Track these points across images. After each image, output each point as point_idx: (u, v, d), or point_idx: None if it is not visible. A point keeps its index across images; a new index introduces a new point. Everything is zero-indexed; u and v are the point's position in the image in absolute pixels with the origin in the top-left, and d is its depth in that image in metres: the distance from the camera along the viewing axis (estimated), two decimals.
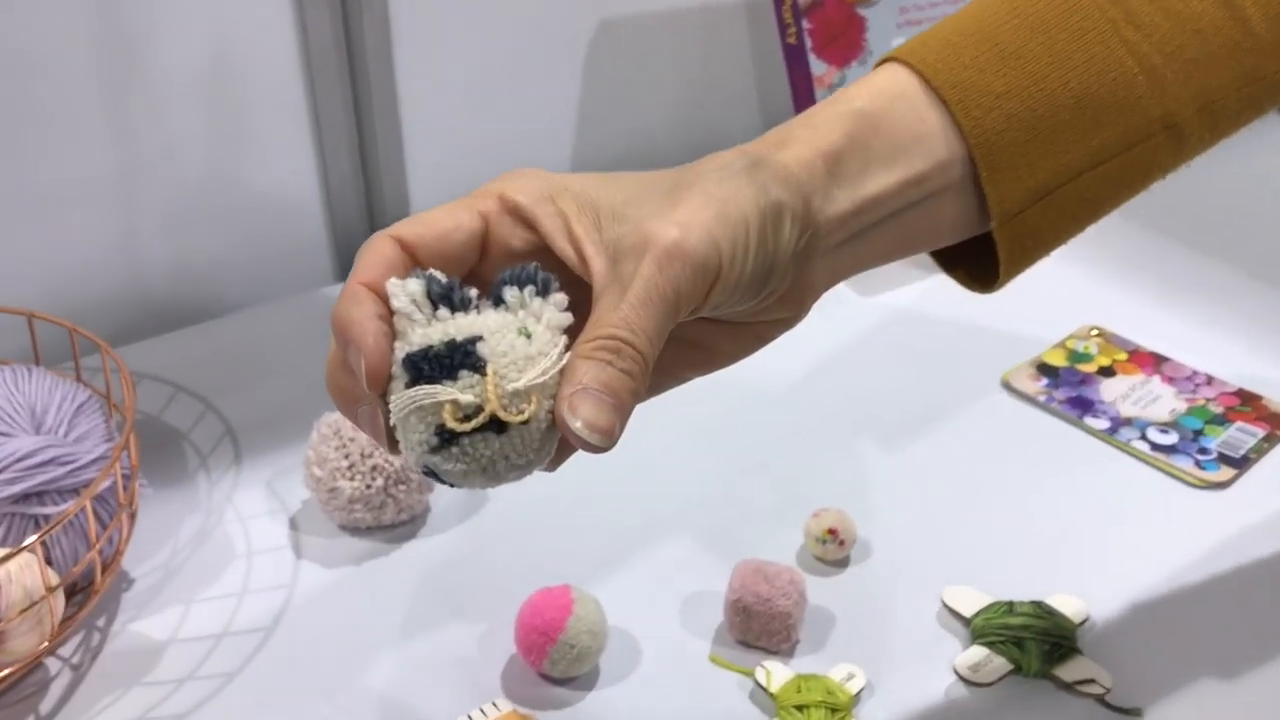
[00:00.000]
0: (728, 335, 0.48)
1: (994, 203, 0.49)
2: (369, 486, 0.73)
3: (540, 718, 0.65)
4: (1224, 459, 0.81)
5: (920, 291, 0.98)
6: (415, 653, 0.68)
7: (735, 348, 0.49)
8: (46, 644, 0.64)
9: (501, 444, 0.41)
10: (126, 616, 0.71)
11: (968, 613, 0.69)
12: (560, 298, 0.42)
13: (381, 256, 0.43)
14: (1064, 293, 0.96)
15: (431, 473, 0.41)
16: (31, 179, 0.89)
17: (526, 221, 0.44)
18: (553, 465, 0.44)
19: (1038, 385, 0.88)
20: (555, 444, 0.42)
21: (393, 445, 0.42)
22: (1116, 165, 0.50)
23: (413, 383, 0.40)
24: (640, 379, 0.41)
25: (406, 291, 0.41)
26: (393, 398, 0.41)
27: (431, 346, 0.41)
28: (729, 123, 1.18)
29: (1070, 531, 0.76)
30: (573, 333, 0.42)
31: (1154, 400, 0.86)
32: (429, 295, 0.41)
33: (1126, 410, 0.85)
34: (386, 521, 0.75)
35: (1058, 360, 0.90)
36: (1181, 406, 0.85)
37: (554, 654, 0.64)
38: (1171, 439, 0.82)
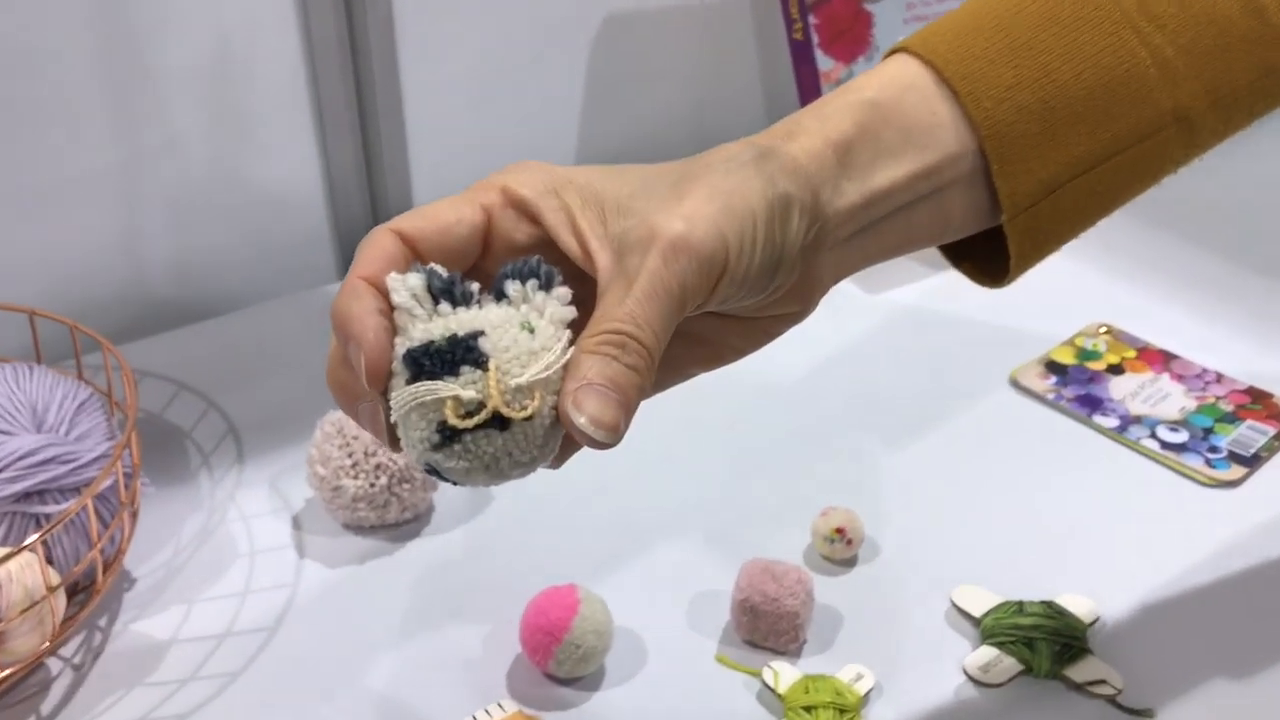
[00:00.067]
0: (734, 330, 0.48)
1: (1005, 196, 0.48)
2: (373, 485, 0.73)
3: (545, 718, 0.64)
4: (1234, 457, 0.80)
5: (927, 288, 0.97)
6: (419, 653, 0.68)
7: (742, 343, 0.48)
8: (48, 644, 0.64)
9: (505, 441, 0.40)
10: (128, 616, 0.71)
11: (977, 613, 0.68)
12: (563, 292, 0.42)
13: (382, 250, 0.42)
14: (1072, 290, 0.95)
15: (434, 470, 0.41)
16: (33, 176, 0.89)
17: (530, 215, 0.44)
18: (557, 462, 0.43)
19: (1046, 383, 0.87)
20: (559, 441, 0.42)
21: (394, 443, 0.42)
22: (1128, 158, 0.50)
23: (414, 379, 0.40)
24: (646, 374, 0.41)
25: (407, 286, 0.41)
26: (394, 394, 0.40)
27: (433, 342, 0.40)
28: (734, 120, 1.18)
29: (1080, 531, 0.75)
30: (577, 327, 0.42)
31: (1163, 398, 0.85)
32: (430, 290, 0.41)
33: (1136, 408, 0.85)
34: (390, 520, 0.75)
35: (1066, 358, 0.89)
36: (1191, 404, 0.85)
37: (559, 654, 0.64)
38: (1181, 437, 0.82)
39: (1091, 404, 0.85)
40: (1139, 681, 0.65)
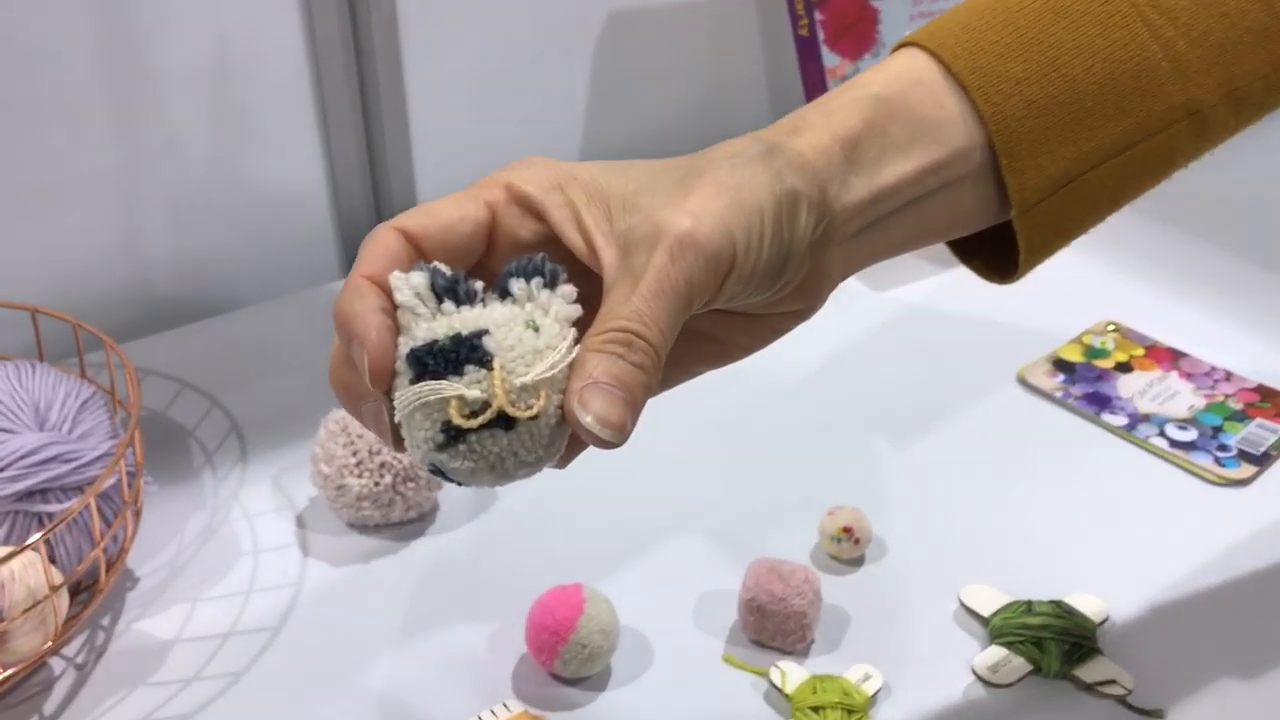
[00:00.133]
0: (741, 327, 0.47)
1: (1014, 191, 0.48)
2: (377, 484, 0.73)
3: (551, 719, 0.64)
4: (1244, 456, 0.80)
5: (934, 286, 0.97)
6: (424, 652, 0.68)
7: (749, 340, 0.48)
8: (50, 644, 0.64)
9: (510, 441, 0.40)
10: (131, 615, 0.70)
11: (986, 612, 0.68)
12: (569, 290, 0.41)
13: (385, 248, 0.42)
14: (1080, 287, 0.95)
15: (438, 471, 0.40)
16: (36, 174, 0.89)
17: (534, 211, 0.44)
18: (563, 462, 0.43)
19: (1054, 381, 0.87)
20: (565, 440, 0.41)
21: (398, 443, 0.41)
22: (1139, 153, 0.49)
23: (418, 378, 0.40)
24: (652, 372, 0.40)
25: (410, 285, 0.40)
26: (397, 394, 0.40)
27: (436, 341, 0.40)
28: (739, 117, 1.18)
29: (1089, 529, 0.75)
30: (582, 325, 0.41)
31: (1172, 396, 0.85)
32: (433, 288, 0.40)
33: (1144, 406, 0.84)
34: (395, 519, 0.75)
35: (1074, 356, 0.89)
36: (1200, 403, 0.84)
37: (565, 654, 0.64)
38: (1190, 436, 0.81)
39: (1100, 402, 0.85)
40: (1149, 681, 0.64)
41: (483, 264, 0.44)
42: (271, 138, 0.96)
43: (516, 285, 0.41)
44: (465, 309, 0.40)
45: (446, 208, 0.43)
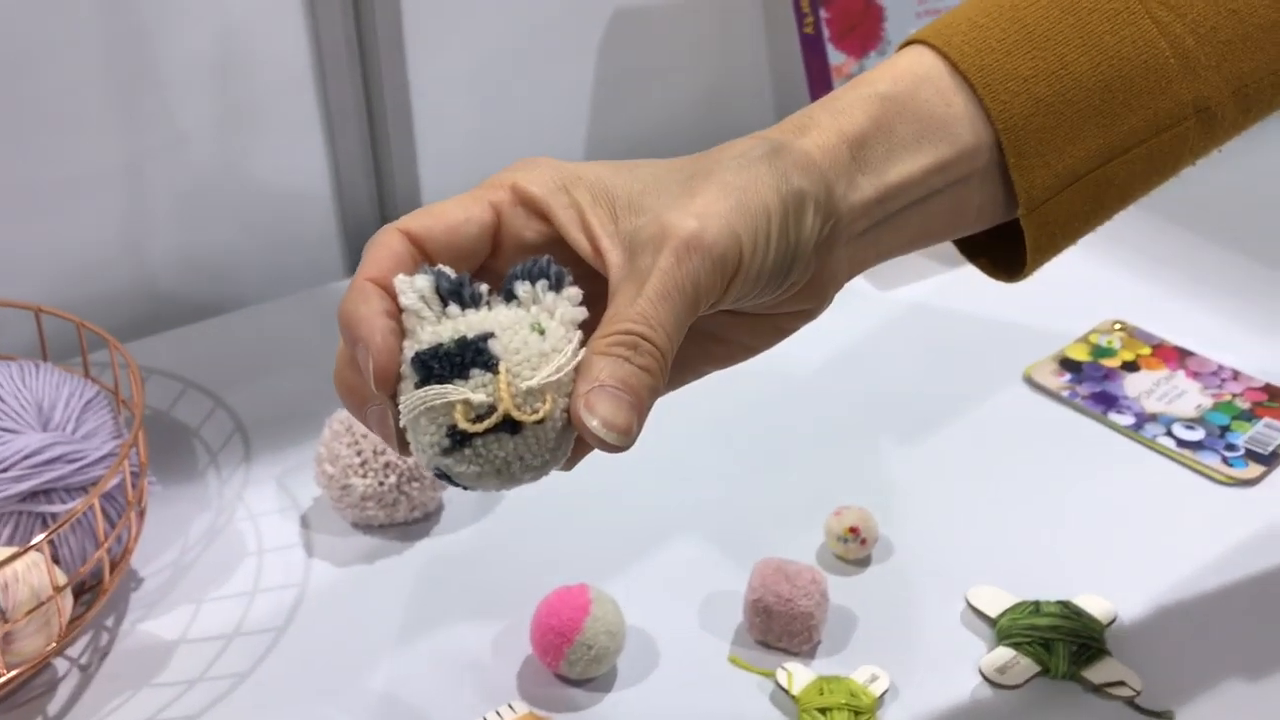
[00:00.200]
0: (747, 328, 0.47)
1: (1021, 190, 0.48)
2: (381, 484, 0.72)
3: None
4: (1252, 455, 0.79)
5: (939, 285, 0.96)
6: (429, 653, 0.67)
7: (755, 340, 0.48)
8: (54, 644, 0.64)
9: (516, 445, 0.39)
10: (135, 616, 0.70)
11: (993, 613, 0.68)
12: (574, 292, 0.41)
13: (389, 251, 0.41)
14: (1086, 286, 0.95)
15: (444, 475, 0.40)
16: (40, 173, 0.89)
17: (539, 213, 0.43)
18: (569, 465, 0.43)
19: (1060, 380, 0.86)
20: (571, 443, 0.41)
21: (403, 446, 0.41)
22: (1146, 150, 0.49)
23: (423, 382, 0.39)
24: (659, 375, 0.40)
25: (415, 288, 0.40)
26: (402, 398, 0.40)
27: (441, 344, 0.39)
28: (744, 115, 1.17)
29: (1096, 530, 0.75)
30: (588, 328, 0.41)
31: (1179, 396, 0.85)
32: (438, 291, 0.40)
33: (1151, 406, 0.84)
34: (399, 519, 0.74)
35: (1080, 355, 0.89)
36: (1207, 402, 0.84)
37: (571, 655, 0.64)
38: (1198, 435, 0.81)
39: (1106, 401, 0.84)
40: (1157, 682, 0.64)
41: (488, 265, 0.44)
42: (276, 136, 0.96)
43: (521, 288, 0.41)
44: (470, 312, 0.40)
45: (451, 209, 0.43)
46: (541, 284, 0.41)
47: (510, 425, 0.39)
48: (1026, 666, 0.65)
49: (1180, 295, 0.95)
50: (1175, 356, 0.88)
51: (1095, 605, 0.68)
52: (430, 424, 0.39)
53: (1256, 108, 0.50)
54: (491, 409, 0.39)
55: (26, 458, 0.66)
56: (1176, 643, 0.67)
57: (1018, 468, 0.79)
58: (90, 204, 0.91)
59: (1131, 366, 0.87)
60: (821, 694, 0.63)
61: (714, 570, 0.72)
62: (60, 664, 0.67)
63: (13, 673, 0.62)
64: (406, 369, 0.40)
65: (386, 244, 0.42)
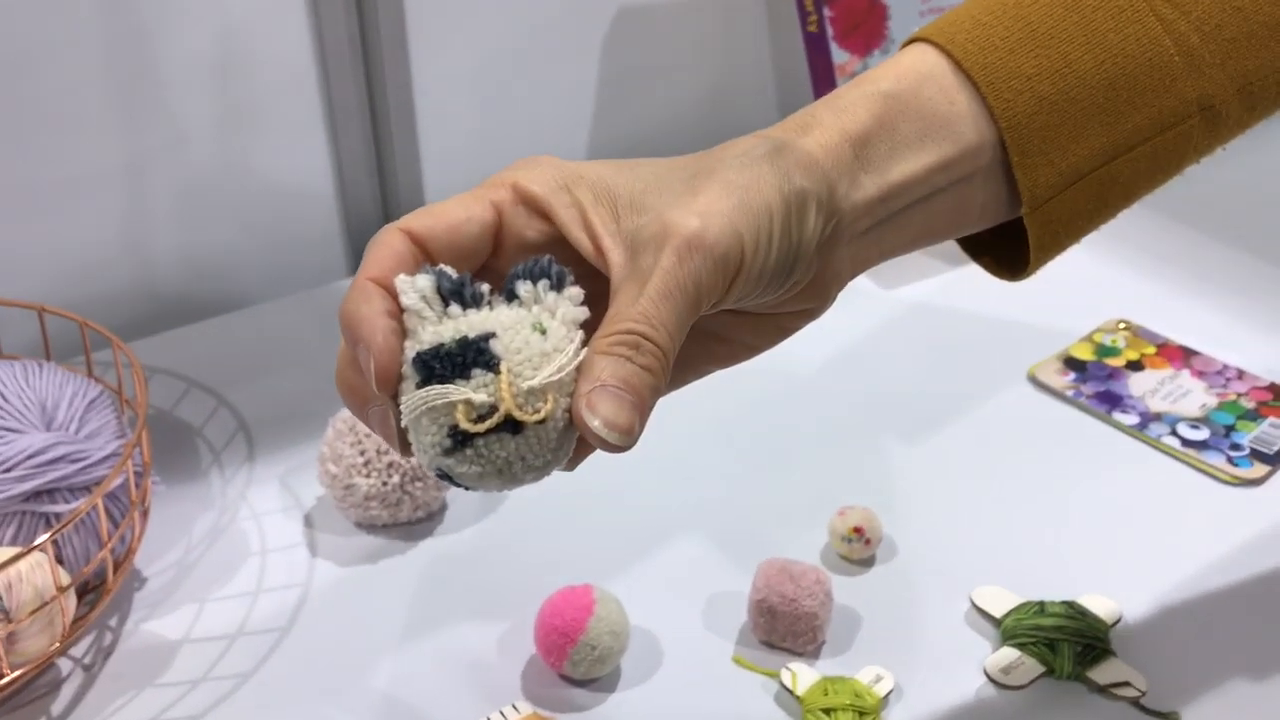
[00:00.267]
0: (750, 327, 0.47)
1: (1025, 188, 0.47)
2: (385, 483, 0.72)
3: None
4: (1257, 455, 0.79)
5: (944, 284, 0.96)
6: (432, 653, 0.67)
7: (757, 339, 0.48)
8: (58, 644, 0.64)
9: (517, 445, 0.39)
10: (139, 616, 0.70)
11: (997, 613, 0.68)
12: (575, 291, 0.41)
13: (391, 251, 0.41)
14: (1090, 285, 0.95)
15: (446, 476, 0.40)
16: (42, 172, 0.89)
17: (541, 212, 0.43)
18: (571, 465, 0.42)
19: (1065, 379, 0.86)
20: (573, 443, 0.41)
21: (405, 447, 0.41)
22: (1150, 148, 0.49)
23: (424, 382, 0.39)
24: (661, 375, 0.40)
25: (416, 288, 0.40)
26: (404, 398, 0.40)
27: (443, 344, 0.39)
28: (748, 113, 1.17)
29: (1101, 529, 0.74)
30: (589, 327, 0.41)
31: (1184, 395, 0.84)
32: (439, 291, 0.40)
33: (1156, 405, 0.84)
34: (403, 519, 0.74)
35: (1085, 354, 0.88)
36: (1212, 401, 0.84)
37: (575, 655, 0.63)
38: (1203, 435, 0.81)
39: (1111, 401, 0.84)
40: (1162, 683, 0.64)
41: (489, 265, 0.44)
42: (278, 135, 0.96)
43: (523, 288, 0.41)
44: (471, 312, 0.40)
45: (452, 209, 0.43)
46: (543, 283, 0.41)
47: (512, 425, 0.39)
48: (1031, 667, 0.65)
49: (1185, 294, 0.95)
50: (1180, 356, 0.88)
51: (1100, 605, 0.67)
52: (431, 424, 0.39)
53: (1261, 106, 0.50)
54: (493, 409, 0.39)
55: (30, 457, 0.66)
56: (1181, 643, 0.67)
57: (1022, 467, 0.79)
58: (92, 203, 0.91)
59: (1136, 366, 0.87)
60: (826, 694, 0.63)
61: (718, 570, 0.72)
62: (64, 664, 0.67)
63: (16, 673, 0.62)
64: (408, 369, 0.40)
65: (388, 243, 0.42)
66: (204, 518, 0.77)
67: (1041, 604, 0.67)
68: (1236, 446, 0.80)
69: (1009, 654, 0.65)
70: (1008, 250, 0.52)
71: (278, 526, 0.76)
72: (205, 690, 0.66)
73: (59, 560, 0.66)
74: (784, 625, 0.66)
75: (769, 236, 0.42)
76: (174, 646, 0.68)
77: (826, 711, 0.62)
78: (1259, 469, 0.78)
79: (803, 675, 0.64)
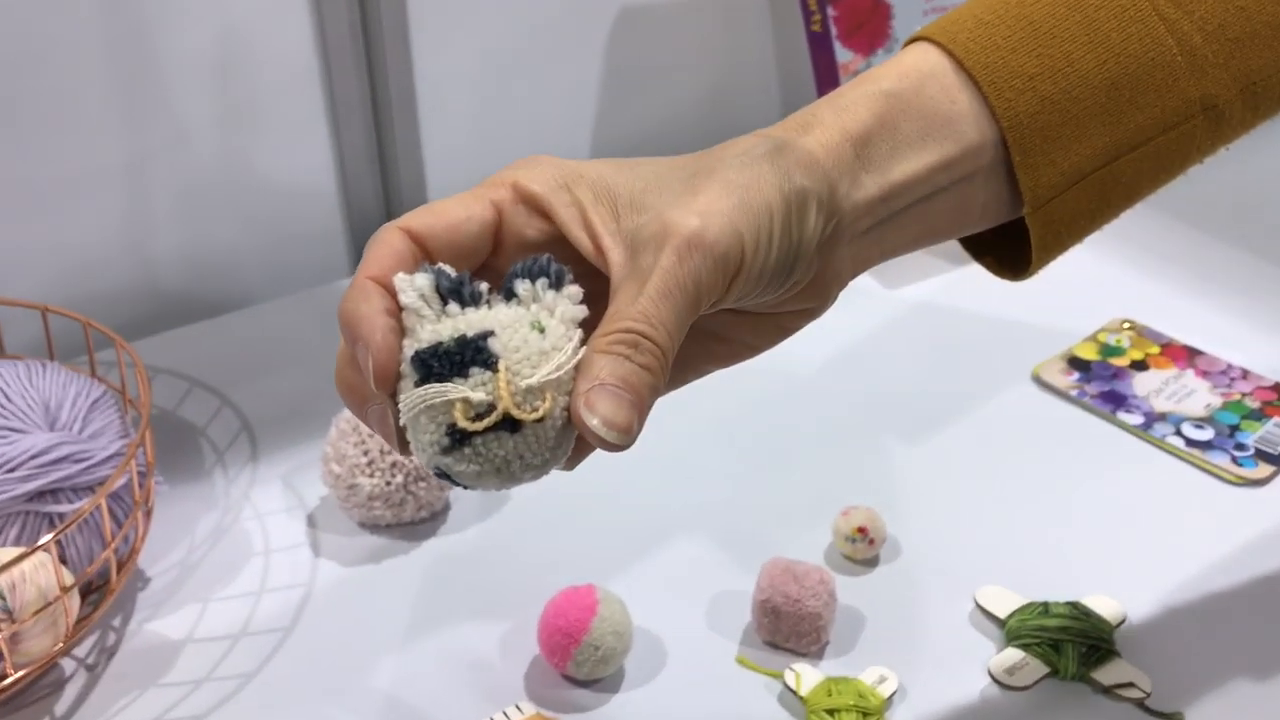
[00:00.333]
0: (750, 326, 0.47)
1: (1026, 188, 0.47)
2: (388, 483, 0.72)
3: None
4: (1262, 455, 0.79)
5: (947, 283, 0.96)
6: (435, 653, 0.67)
7: (758, 339, 0.48)
8: (61, 645, 0.64)
9: (516, 443, 0.39)
10: (142, 616, 0.70)
11: (1002, 614, 0.67)
12: (574, 290, 0.41)
13: (390, 249, 0.41)
14: (1094, 284, 0.94)
15: (444, 474, 0.40)
16: (44, 171, 0.89)
17: (541, 211, 0.43)
18: (570, 464, 0.42)
19: (1069, 379, 0.86)
20: (572, 442, 0.41)
21: (403, 445, 0.41)
22: (1153, 148, 0.49)
23: (422, 381, 0.39)
24: (660, 374, 0.40)
25: (414, 287, 0.40)
26: (402, 397, 0.40)
27: (441, 343, 0.39)
28: (751, 113, 1.17)
29: (1105, 530, 0.74)
30: (589, 326, 0.41)
31: (1188, 395, 0.84)
32: (438, 290, 0.40)
33: (1160, 405, 0.83)
34: (406, 519, 0.74)
35: (1089, 354, 0.88)
36: (1217, 401, 0.83)
37: (578, 655, 0.63)
38: (1207, 435, 0.81)
39: (1115, 401, 0.84)
40: (1166, 684, 0.64)
41: (489, 264, 0.44)
42: (281, 133, 0.96)
43: (522, 286, 0.41)
44: (470, 310, 0.40)
45: (452, 207, 0.43)
46: (541, 282, 0.41)
47: (510, 424, 0.39)
48: (1035, 668, 0.64)
49: (1190, 294, 0.95)
50: (1184, 355, 0.88)
51: (1104, 606, 0.67)
52: (430, 422, 0.39)
53: (1265, 105, 0.50)
54: (491, 407, 0.39)
55: (33, 457, 0.66)
56: (1186, 644, 0.67)
57: (1026, 467, 0.79)
58: (94, 202, 0.91)
59: (1140, 365, 0.87)
60: (830, 695, 0.62)
61: (721, 570, 0.72)
62: (67, 664, 0.67)
63: (20, 673, 0.62)
64: (406, 368, 0.40)
65: (387, 242, 0.42)
66: (207, 518, 0.77)
67: (1046, 604, 0.67)
68: (1241, 447, 0.79)
69: (1013, 655, 0.65)
70: (1010, 250, 0.52)
71: (281, 526, 0.76)
72: (208, 690, 0.66)
73: (62, 560, 0.66)
74: (788, 625, 0.66)
75: (769, 236, 0.42)
76: (177, 646, 0.68)
77: (830, 712, 0.62)
78: (1263, 469, 0.78)
79: (806, 676, 0.64)
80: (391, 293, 0.41)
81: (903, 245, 0.48)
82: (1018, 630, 0.66)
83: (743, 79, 1.16)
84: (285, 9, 0.92)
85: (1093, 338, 0.90)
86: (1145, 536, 0.74)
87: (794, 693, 0.63)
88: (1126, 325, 0.91)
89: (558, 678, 0.65)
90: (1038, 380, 0.86)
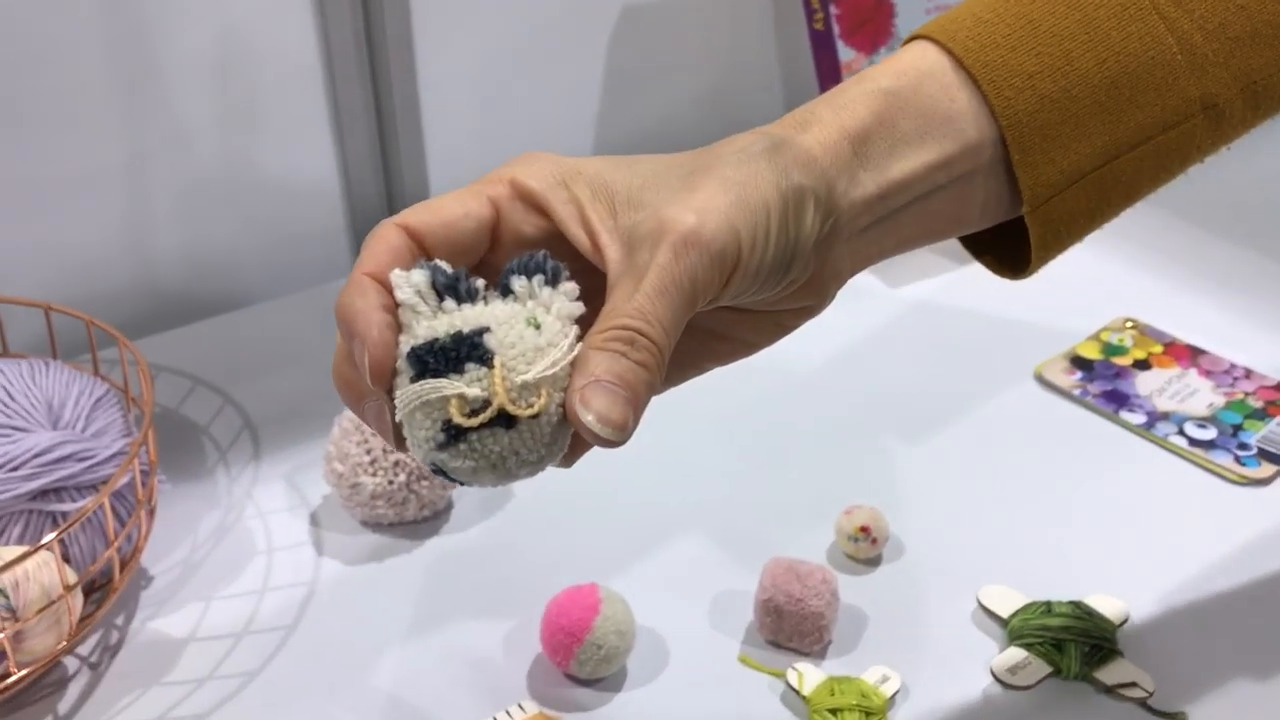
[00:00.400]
0: (748, 324, 0.47)
1: (1026, 187, 0.47)
2: (391, 482, 0.72)
3: None
4: (1265, 455, 0.79)
5: (949, 282, 0.96)
6: (438, 652, 0.67)
7: (756, 337, 0.48)
8: (64, 643, 0.64)
9: (511, 439, 0.39)
10: (145, 615, 0.70)
11: (1004, 613, 0.67)
12: (571, 287, 0.41)
13: (387, 245, 0.41)
14: (1097, 283, 0.94)
15: (440, 470, 0.40)
16: (46, 170, 0.89)
17: (538, 207, 0.43)
18: (568, 461, 0.42)
19: (1072, 378, 0.86)
20: (568, 439, 0.41)
21: (400, 442, 0.41)
22: (1153, 148, 0.49)
23: (418, 377, 0.39)
24: (655, 371, 0.40)
25: (410, 283, 0.40)
26: (398, 393, 0.40)
27: (437, 339, 0.39)
28: (753, 111, 1.17)
29: (1108, 529, 0.74)
30: (585, 323, 0.41)
31: (1191, 394, 0.84)
32: (434, 286, 0.40)
33: (1163, 404, 0.83)
34: (409, 517, 0.74)
35: (1092, 353, 0.88)
36: (1220, 401, 0.83)
37: (581, 654, 0.63)
38: (1210, 434, 0.81)
39: (1118, 400, 0.84)
40: (1169, 683, 0.64)
41: (487, 260, 0.44)
42: (283, 132, 0.96)
43: (518, 283, 0.41)
44: (466, 307, 0.40)
45: (450, 204, 0.43)
46: (538, 279, 0.41)
47: (505, 420, 0.39)
48: (1038, 667, 0.64)
49: (1193, 293, 0.95)
50: (1187, 355, 0.88)
51: (1107, 605, 0.67)
52: (425, 419, 0.39)
53: (1265, 104, 0.50)
54: (486, 403, 0.39)
55: (37, 456, 0.66)
56: (1189, 644, 0.67)
57: (1028, 467, 0.79)
58: (96, 202, 0.91)
59: (1143, 365, 0.87)
60: (832, 694, 0.62)
61: (724, 570, 0.72)
62: (70, 662, 0.67)
63: (23, 671, 0.62)
64: (403, 364, 0.40)
65: (384, 238, 0.42)
66: (210, 516, 0.77)
67: (1048, 604, 0.67)
68: (1244, 446, 0.79)
69: (1016, 654, 0.65)
70: (1009, 249, 0.51)
71: (284, 525, 0.76)
72: (211, 688, 0.66)
73: (65, 559, 0.66)
74: (790, 625, 0.66)
75: (766, 233, 0.42)
76: (180, 645, 0.68)
77: (833, 712, 0.62)
78: (1266, 469, 0.78)
79: (809, 675, 0.64)
80: (388, 289, 0.41)
81: (902, 244, 0.48)
82: (1020, 630, 0.66)
83: (745, 78, 1.16)
84: (288, 8, 0.92)
85: (1095, 337, 0.90)
86: (1148, 536, 0.74)
87: (796, 692, 0.63)
88: (1129, 324, 0.91)
89: (560, 676, 0.65)
90: (1040, 379, 0.86)
